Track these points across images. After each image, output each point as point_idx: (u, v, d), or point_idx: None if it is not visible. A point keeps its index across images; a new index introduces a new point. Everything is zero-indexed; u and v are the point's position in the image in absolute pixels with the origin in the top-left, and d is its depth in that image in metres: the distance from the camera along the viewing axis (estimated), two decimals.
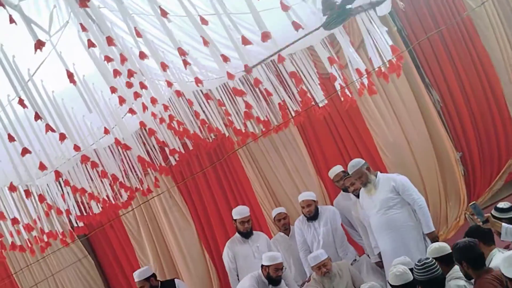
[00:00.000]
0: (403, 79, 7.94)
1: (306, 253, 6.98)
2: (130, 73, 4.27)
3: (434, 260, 4.35)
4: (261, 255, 6.62)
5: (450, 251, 4.61)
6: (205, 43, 3.97)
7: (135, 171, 7.34)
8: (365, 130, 8.21)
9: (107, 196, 6.98)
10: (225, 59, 4.08)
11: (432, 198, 7.99)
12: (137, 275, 6.94)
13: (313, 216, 7.04)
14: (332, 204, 7.60)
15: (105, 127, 5.44)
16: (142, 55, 4.20)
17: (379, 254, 6.50)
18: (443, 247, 4.81)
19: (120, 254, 9.10)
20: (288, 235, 7.35)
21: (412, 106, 8.08)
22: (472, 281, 4.34)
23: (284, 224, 7.36)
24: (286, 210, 7.60)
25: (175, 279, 7.29)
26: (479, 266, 4.26)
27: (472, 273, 4.26)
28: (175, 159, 6.96)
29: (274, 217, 7.43)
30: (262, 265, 6.32)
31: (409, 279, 4.52)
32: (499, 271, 3.57)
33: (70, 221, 7.63)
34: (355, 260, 7.02)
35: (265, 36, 3.87)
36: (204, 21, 3.96)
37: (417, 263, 4.45)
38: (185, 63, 4.24)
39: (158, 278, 7.16)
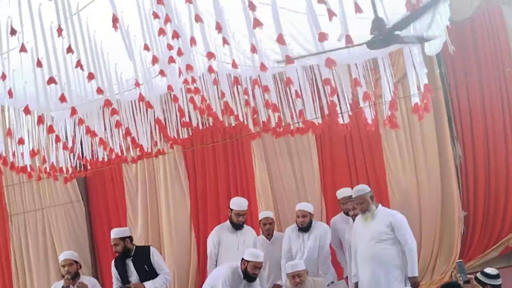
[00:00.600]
0: (431, 125, 8.00)
1: (288, 261, 7.03)
2: (175, 35, 4.30)
3: None
4: (245, 249, 6.68)
5: None
6: (257, 24, 3.94)
7: (150, 133, 7.40)
8: (381, 163, 8.26)
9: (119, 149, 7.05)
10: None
11: (425, 248, 8.01)
12: (115, 233, 6.95)
13: (305, 228, 7.09)
14: (327, 223, 7.63)
15: (136, 80, 5.51)
16: (197, 18, 4.19)
17: (356, 284, 6.50)
18: None
19: (112, 209, 9.20)
20: (269, 240, 7.41)
21: (432, 157, 8.13)
22: None
23: (268, 230, 7.42)
24: (276, 215, 7.71)
25: (150, 247, 7.29)
26: None
27: None
28: (189, 133, 7.01)
29: (260, 220, 7.49)
30: (243, 259, 6.36)
31: None
32: None
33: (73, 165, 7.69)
34: (333, 282, 7.06)
35: (322, 37, 3.91)
36: (252, 7, 3.96)
37: None
38: (224, 41, 4.28)
39: (136, 243, 7.21)
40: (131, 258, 6.88)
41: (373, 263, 6.20)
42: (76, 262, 6.89)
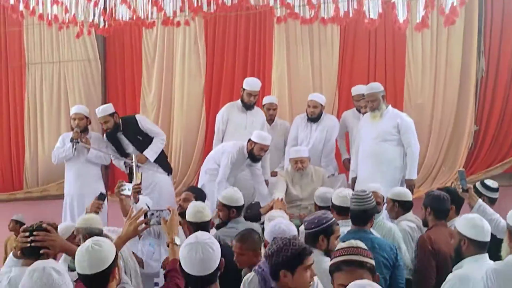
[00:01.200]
0: (459, 35, 7.88)
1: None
2: None
3: (369, 193, 4.46)
4: (252, 130, 6.81)
5: (411, 200, 4.88)
6: None
7: None
8: (401, 66, 8.20)
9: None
10: None
11: (430, 156, 8.11)
12: (102, 111, 7.04)
13: (314, 118, 7.21)
14: (338, 118, 7.70)
15: None
16: None
17: (354, 179, 6.67)
18: (407, 193, 5.21)
19: (127, 73, 9.26)
20: (270, 125, 7.57)
21: (454, 67, 8.04)
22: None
23: (271, 115, 7.55)
24: (289, 104, 7.90)
25: (136, 115, 7.41)
26: (440, 217, 4.57)
27: (431, 220, 4.58)
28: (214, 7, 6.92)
29: (264, 105, 7.58)
30: (250, 140, 6.51)
31: (347, 205, 4.61)
32: (455, 229, 3.75)
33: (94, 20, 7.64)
34: (333, 175, 7.24)
35: None
36: None
37: (353, 193, 4.59)
38: None
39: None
40: (121, 131, 7.03)
41: (374, 160, 6.37)
42: (87, 117, 7.08)
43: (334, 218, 4.02)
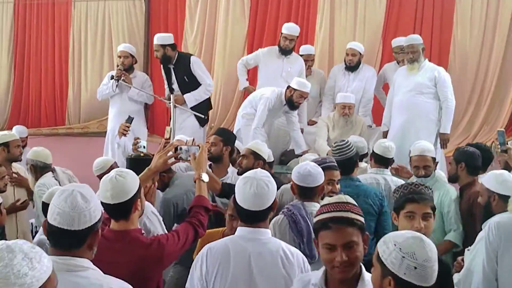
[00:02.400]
0: None
1: (329, 98, 7.33)
2: None
3: (348, 142, 4.51)
4: (289, 78, 6.84)
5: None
6: None
7: None
8: (449, 22, 8.16)
9: None
10: None
11: (472, 115, 8.09)
12: (156, 38, 6.96)
13: (352, 67, 7.20)
14: (379, 70, 7.70)
15: None
16: None
17: (386, 133, 6.68)
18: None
19: (171, 15, 9.41)
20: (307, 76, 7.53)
21: (504, 26, 7.98)
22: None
23: (308, 66, 7.51)
24: (330, 54, 7.81)
25: (192, 56, 7.27)
26: (473, 173, 4.51)
27: (464, 176, 4.51)
28: None
29: (302, 55, 7.50)
30: (289, 86, 6.46)
31: (386, 156, 4.76)
32: (483, 186, 3.70)
33: None
34: (371, 126, 7.25)
35: None
36: None
37: (334, 144, 4.60)
38: None
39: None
40: (173, 66, 7.07)
41: (409, 112, 6.35)
42: (132, 56, 7.20)
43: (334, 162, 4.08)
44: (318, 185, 3.58)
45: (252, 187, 2.81)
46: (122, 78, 6.93)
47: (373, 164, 4.91)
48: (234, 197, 2.93)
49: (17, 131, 7.07)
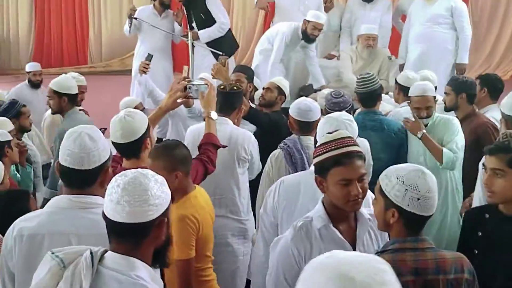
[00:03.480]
0: None
1: (347, 31, 7.46)
2: None
3: (372, 74, 4.54)
4: (307, 11, 6.87)
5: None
6: None
7: None
8: None
9: None
10: None
11: (494, 46, 8.01)
12: None
13: None
14: None
15: None
16: None
17: (402, 65, 6.72)
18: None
19: None
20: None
21: None
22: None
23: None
24: None
25: None
26: (495, 97, 4.59)
27: (465, 106, 4.51)
28: None
29: None
30: (304, 19, 6.48)
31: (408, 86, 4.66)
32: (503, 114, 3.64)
33: None
34: (390, 58, 7.22)
35: None
36: None
37: (359, 76, 4.66)
38: None
39: None
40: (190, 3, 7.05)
41: (426, 43, 6.44)
42: None
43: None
44: (316, 120, 3.69)
45: (332, 127, 2.87)
46: (133, 16, 7.02)
47: (396, 94, 4.95)
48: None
49: (28, 66, 7.35)
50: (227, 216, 3.93)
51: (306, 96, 6.78)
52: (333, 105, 4.19)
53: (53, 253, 1.81)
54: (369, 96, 4.39)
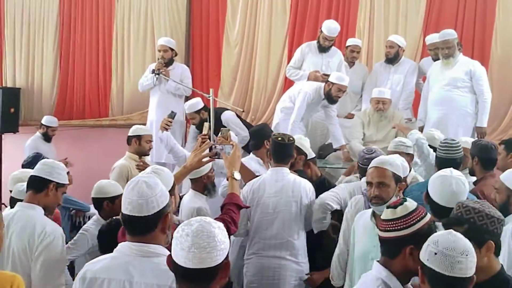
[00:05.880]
0: None
1: (370, 92, 7.49)
2: None
3: (458, 143, 4.58)
4: (328, 71, 7.12)
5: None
6: None
7: None
8: (492, 9, 8.13)
9: None
10: None
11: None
12: (188, 107, 6.81)
13: (391, 59, 7.45)
14: None
15: None
16: None
17: (420, 128, 6.79)
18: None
19: (212, 8, 9.69)
20: (350, 67, 7.82)
21: None
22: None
23: (353, 58, 7.79)
24: (370, 47, 8.17)
25: (223, 114, 6.89)
26: (488, 167, 4.62)
27: (479, 171, 4.64)
28: None
29: (348, 46, 7.83)
30: (327, 80, 6.73)
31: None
32: (501, 184, 3.65)
33: None
34: (411, 120, 7.40)
35: None
36: None
37: (443, 140, 4.72)
38: None
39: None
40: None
41: (445, 107, 6.57)
42: (172, 49, 7.61)
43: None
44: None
45: (451, 185, 3.20)
46: (161, 71, 7.34)
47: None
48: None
49: (48, 121, 7.61)
50: (285, 258, 4.41)
51: (325, 155, 7.06)
52: (366, 160, 4.42)
53: None
54: (447, 163, 4.30)
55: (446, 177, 3.15)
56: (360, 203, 4.03)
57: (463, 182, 3.14)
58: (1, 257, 3.38)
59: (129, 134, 5.95)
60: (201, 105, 6.83)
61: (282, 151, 4.55)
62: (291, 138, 4.60)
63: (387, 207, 2.58)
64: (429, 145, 5.16)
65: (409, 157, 4.86)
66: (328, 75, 6.94)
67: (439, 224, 2.85)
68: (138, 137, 5.83)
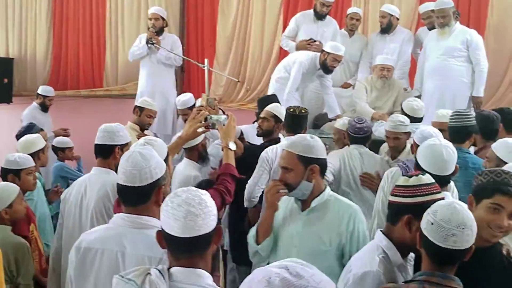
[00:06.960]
0: None
1: (367, 63, 7.60)
2: None
3: (469, 112, 4.54)
4: (323, 41, 7.05)
5: None
6: None
7: None
8: None
9: None
10: None
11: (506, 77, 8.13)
12: (181, 103, 6.60)
13: (385, 28, 7.43)
14: None
15: None
16: None
17: (418, 97, 6.71)
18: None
19: None
20: (350, 37, 7.75)
21: None
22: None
23: (353, 25, 7.70)
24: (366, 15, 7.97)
25: None
26: (489, 137, 4.51)
27: (479, 140, 4.59)
28: None
29: (348, 14, 7.74)
30: (323, 50, 6.63)
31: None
32: (492, 153, 3.72)
33: None
34: (406, 89, 7.38)
35: None
36: None
37: (454, 110, 4.65)
38: None
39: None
40: None
41: (441, 76, 6.53)
42: (163, 19, 7.55)
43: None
44: None
45: (443, 153, 3.13)
46: (153, 40, 7.30)
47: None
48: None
49: (45, 91, 7.60)
50: None
51: (321, 125, 7.06)
52: (358, 129, 4.47)
53: (122, 277, 1.97)
54: (459, 131, 4.34)
55: (436, 146, 3.13)
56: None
57: (453, 149, 3.12)
58: (85, 218, 3.48)
59: (135, 103, 6.13)
60: (193, 101, 6.60)
61: (295, 122, 4.61)
62: (303, 111, 4.65)
63: (403, 175, 2.63)
64: (411, 116, 5.14)
65: (406, 135, 4.89)
66: (315, 41, 6.92)
67: (447, 193, 2.87)
68: (141, 109, 5.89)
